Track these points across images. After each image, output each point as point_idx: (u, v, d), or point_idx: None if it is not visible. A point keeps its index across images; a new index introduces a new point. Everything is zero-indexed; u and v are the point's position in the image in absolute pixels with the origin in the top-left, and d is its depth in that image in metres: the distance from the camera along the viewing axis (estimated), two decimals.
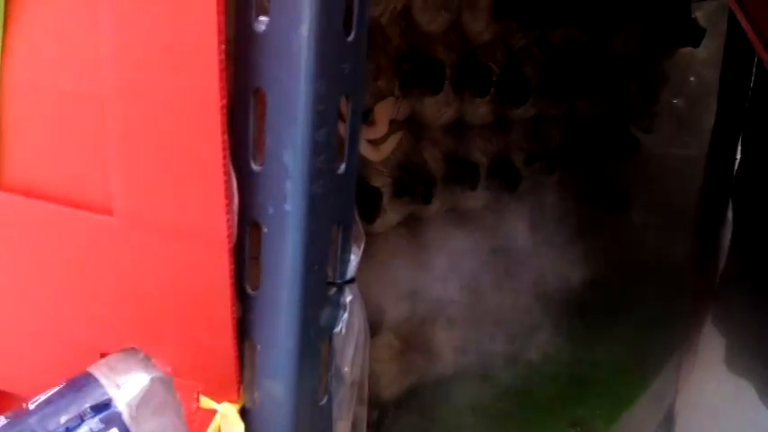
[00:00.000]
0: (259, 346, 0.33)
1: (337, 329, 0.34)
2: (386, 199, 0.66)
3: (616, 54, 1.05)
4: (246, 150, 0.31)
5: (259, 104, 0.31)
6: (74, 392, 0.33)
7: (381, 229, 0.70)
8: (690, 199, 1.01)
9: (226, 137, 0.29)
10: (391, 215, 0.68)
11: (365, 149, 0.57)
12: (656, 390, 0.83)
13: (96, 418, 0.32)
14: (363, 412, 0.38)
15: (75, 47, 0.32)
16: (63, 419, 0.32)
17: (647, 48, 1.08)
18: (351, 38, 0.31)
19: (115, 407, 0.32)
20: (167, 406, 0.33)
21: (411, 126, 0.72)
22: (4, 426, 0.32)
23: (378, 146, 0.58)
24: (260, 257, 0.32)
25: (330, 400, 0.35)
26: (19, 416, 0.32)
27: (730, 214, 0.95)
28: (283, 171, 0.30)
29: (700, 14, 1.18)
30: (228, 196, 0.30)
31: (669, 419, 0.82)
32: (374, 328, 0.67)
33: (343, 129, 0.33)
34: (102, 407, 0.32)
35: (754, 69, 1.00)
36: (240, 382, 0.33)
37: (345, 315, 0.34)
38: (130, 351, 0.34)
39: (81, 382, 0.33)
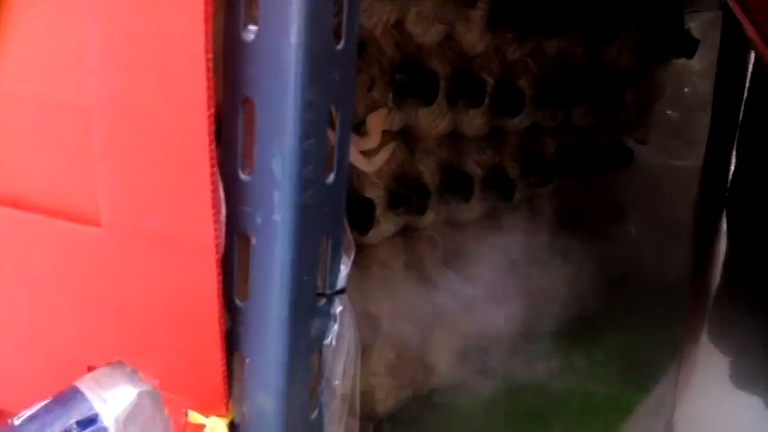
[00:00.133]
0: (248, 359, 0.32)
1: (327, 341, 0.34)
2: (380, 210, 0.65)
3: (610, 65, 1.05)
4: (235, 160, 0.31)
5: (248, 114, 0.30)
6: (60, 407, 0.32)
7: (376, 240, 0.70)
8: (685, 210, 1.01)
9: (213, 146, 0.29)
10: (385, 226, 0.68)
11: (358, 160, 0.57)
12: (653, 403, 0.82)
13: None
14: (355, 425, 0.38)
15: (61, 57, 0.32)
16: None
17: (641, 59, 1.08)
18: (340, 46, 0.31)
19: (101, 422, 0.32)
20: (155, 421, 0.33)
21: (405, 137, 0.72)
22: None
23: (370, 157, 0.58)
24: (249, 268, 0.32)
25: (321, 414, 0.35)
26: None
27: (725, 225, 0.94)
28: (272, 181, 0.30)
29: (693, 26, 1.19)
30: (216, 206, 0.29)
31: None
32: (368, 340, 0.66)
33: (333, 138, 0.33)
34: (89, 422, 0.31)
35: (747, 80, 1.01)
36: (229, 395, 0.33)
37: (335, 326, 0.34)
38: (118, 365, 0.34)
39: (67, 397, 0.33)
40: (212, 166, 0.29)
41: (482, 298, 0.82)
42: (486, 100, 0.78)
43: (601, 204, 1.08)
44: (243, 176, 0.31)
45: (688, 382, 0.85)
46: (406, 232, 0.74)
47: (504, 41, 0.82)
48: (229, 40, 0.30)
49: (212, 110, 0.28)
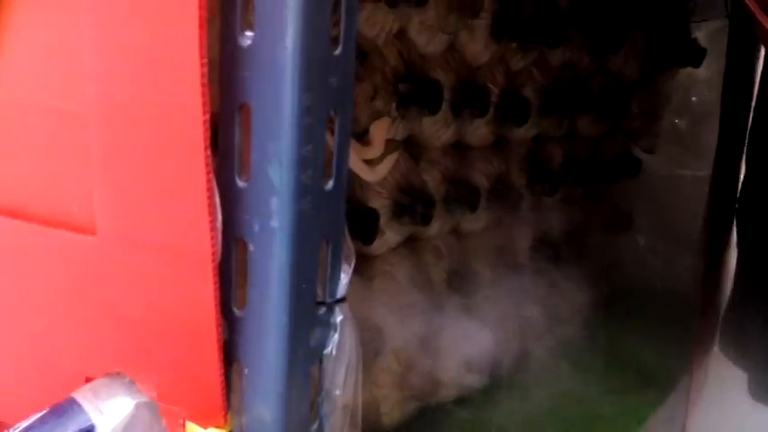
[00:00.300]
0: (246, 369, 0.32)
1: (327, 350, 0.33)
2: (384, 220, 0.65)
3: (616, 75, 1.05)
4: (232, 166, 0.31)
5: (245, 120, 0.30)
6: (56, 418, 0.32)
7: (380, 251, 0.69)
8: (694, 219, 1.00)
9: (209, 152, 0.29)
10: (390, 237, 0.67)
11: (361, 170, 0.57)
12: (664, 413, 0.81)
13: None
14: None
15: (56, 65, 0.32)
16: None
17: (647, 68, 1.08)
18: (338, 51, 0.31)
19: None
20: None
21: (410, 147, 0.72)
22: None
23: (374, 166, 0.58)
24: (247, 276, 0.31)
25: (321, 425, 0.34)
26: None
27: (735, 235, 0.93)
28: (269, 187, 0.30)
29: (700, 35, 1.18)
30: (213, 213, 0.29)
31: None
32: (373, 352, 0.65)
33: (332, 144, 0.32)
34: None
35: (755, 89, 1.00)
36: (227, 406, 0.32)
37: (336, 335, 0.33)
38: (116, 376, 0.33)
39: (64, 408, 0.32)
40: (208, 173, 0.29)
41: (489, 309, 0.81)
42: (491, 109, 0.78)
43: (609, 214, 1.07)
44: (240, 183, 0.31)
45: (700, 394, 0.84)
46: (411, 242, 0.74)
47: (508, 51, 0.82)
48: (225, 46, 0.30)
49: (207, 116, 0.28)
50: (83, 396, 0.32)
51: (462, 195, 0.75)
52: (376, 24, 0.61)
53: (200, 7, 0.27)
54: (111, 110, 0.30)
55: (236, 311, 0.32)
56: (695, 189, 1.07)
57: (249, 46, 0.29)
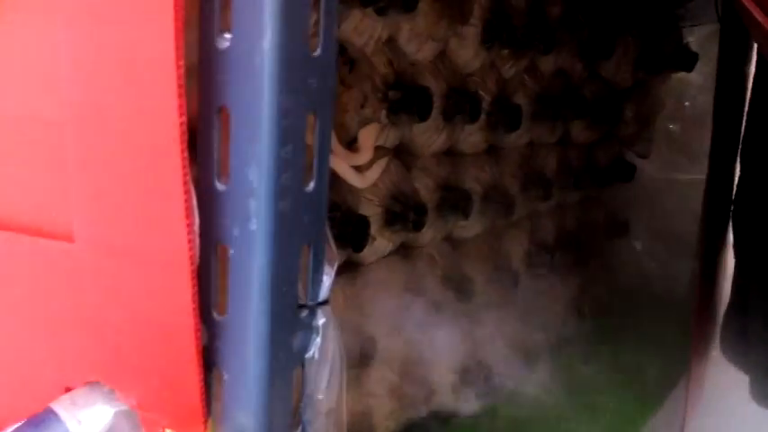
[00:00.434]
0: (226, 375, 0.31)
1: (310, 354, 0.33)
2: (376, 228, 0.65)
3: (608, 81, 1.05)
4: (211, 170, 0.30)
5: (223, 122, 0.30)
6: (33, 429, 0.31)
7: (373, 258, 0.69)
8: (690, 223, 1.00)
9: (186, 154, 0.28)
10: (382, 244, 0.67)
11: (350, 176, 0.56)
12: (663, 417, 0.80)
13: None
14: None
15: (32, 72, 0.31)
16: None
17: (639, 74, 1.08)
18: (317, 53, 0.30)
19: None
20: None
21: (402, 155, 0.72)
22: None
23: (363, 172, 0.57)
24: (227, 281, 0.31)
25: (304, 430, 0.33)
26: None
27: (731, 238, 0.93)
28: (248, 189, 0.29)
29: (692, 40, 1.19)
30: (190, 216, 0.29)
31: None
32: (367, 360, 0.65)
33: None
34: None
35: (748, 92, 1.00)
36: (207, 413, 0.32)
37: (318, 339, 0.33)
38: (95, 385, 0.33)
39: (41, 419, 0.32)
40: (185, 176, 0.28)
41: (483, 316, 0.81)
42: (483, 116, 0.78)
43: (604, 219, 1.07)
44: (219, 186, 0.30)
45: (698, 396, 0.83)
46: (404, 250, 0.73)
47: (499, 58, 0.82)
48: (203, 48, 0.29)
49: (184, 118, 0.28)
50: (61, 406, 0.31)
51: (455, 202, 0.74)
52: (364, 32, 0.61)
53: (176, 10, 0.27)
54: (88, 116, 0.30)
55: (217, 317, 0.31)
56: (690, 193, 1.07)
57: (227, 48, 0.29)
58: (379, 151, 0.60)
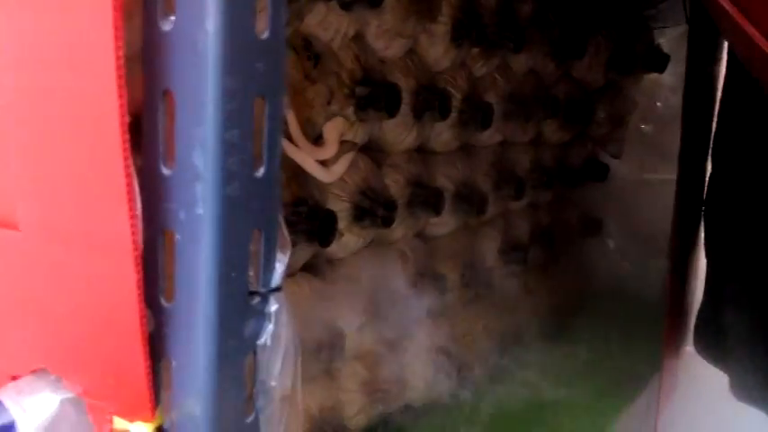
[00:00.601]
0: (175, 363, 0.31)
1: (262, 341, 0.33)
2: (345, 224, 0.65)
3: (581, 81, 1.06)
4: (156, 154, 0.30)
5: (168, 106, 0.30)
6: None
7: (343, 254, 0.68)
8: (663, 222, 1.01)
9: (127, 137, 0.28)
10: (351, 240, 0.67)
11: (315, 170, 0.56)
12: (635, 413, 0.80)
13: None
14: (299, 429, 0.36)
15: None
16: None
17: (611, 74, 1.09)
18: (265, 36, 0.30)
19: (19, 431, 0.30)
20: (79, 429, 0.31)
21: (372, 152, 0.72)
22: None
23: (329, 167, 0.57)
24: (174, 266, 0.31)
25: (257, 418, 0.33)
26: None
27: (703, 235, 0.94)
28: (194, 173, 0.29)
29: (663, 41, 1.20)
30: (132, 200, 0.29)
31: None
32: (338, 356, 0.64)
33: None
34: (4, 431, 0.30)
35: (719, 92, 1.01)
36: (156, 401, 0.31)
37: (271, 326, 0.33)
38: (41, 373, 0.32)
39: None
40: (126, 158, 0.28)
41: (456, 312, 0.81)
42: (454, 114, 0.78)
43: (578, 218, 1.07)
44: (165, 171, 0.30)
45: (670, 392, 0.84)
46: (375, 247, 0.73)
47: (470, 56, 0.83)
48: (147, 31, 0.29)
49: (124, 100, 0.28)
50: (5, 394, 0.31)
51: (426, 198, 0.74)
52: (330, 27, 0.61)
53: None
54: (27, 102, 0.30)
55: (164, 303, 0.31)
56: (663, 192, 1.08)
57: (170, 31, 0.29)
58: (345, 145, 0.60)
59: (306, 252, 0.61)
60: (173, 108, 0.30)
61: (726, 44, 0.96)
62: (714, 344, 0.89)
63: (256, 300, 0.32)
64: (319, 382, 0.64)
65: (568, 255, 1.01)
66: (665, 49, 1.17)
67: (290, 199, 0.58)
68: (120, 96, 0.27)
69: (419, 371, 0.73)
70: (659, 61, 1.13)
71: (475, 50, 0.82)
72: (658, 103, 1.19)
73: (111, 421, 0.31)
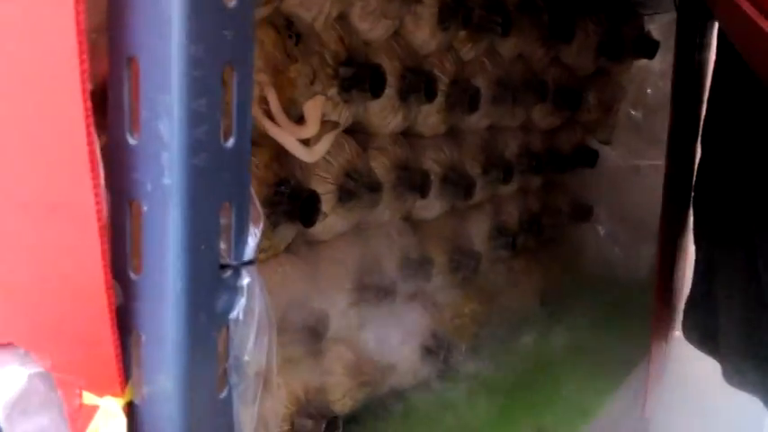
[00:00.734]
0: (144, 337, 0.31)
1: (234, 315, 0.32)
2: (329, 206, 0.64)
3: (571, 67, 1.06)
4: (122, 124, 0.30)
5: (133, 74, 0.29)
6: None
7: (328, 236, 0.68)
8: (652, 207, 1.01)
9: (89, 104, 0.28)
10: (336, 221, 0.67)
11: (297, 150, 0.56)
12: (623, 398, 0.81)
13: None
14: (276, 404, 0.36)
15: None
16: None
17: (601, 60, 1.09)
18: (232, 4, 0.30)
19: None
20: (48, 404, 0.31)
21: (358, 134, 0.71)
22: None
23: (311, 146, 0.57)
24: (141, 238, 0.30)
25: (230, 392, 0.33)
26: None
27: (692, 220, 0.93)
28: (160, 143, 0.29)
29: (653, 27, 1.20)
30: (95, 169, 0.28)
31: (639, 427, 0.80)
32: (322, 339, 0.64)
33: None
34: None
35: (708, 79, 1.01)
36: (126, 375, 0.31)
37: (243, 300, 0.32)
38: (9, 347, 0.32)
39: None
40: (88, 126, 0.28)
41: (443, 295, 0.81)
42: (441, 98, 0.78)
43: (568, 204, 1.07)
44: (131, 140, 0.30)
45: (659, 376, 0.84)
46: (362, 229, 0.73)
47: (457, 40, 0.82)
48: None
49: (86, 66, 0.27)
50: None
51: (412, 181, 0.74)
52: (312, 7, 0.60)
53: None
54: None
55: (132, 276, 0.31)
56: (652, 178, 1.08)
57: None
58: (327, 125, 0.59)
59: (289, 232, 0.60)
60: (137, 75, 0.29)
61: (715, 30, 0.95)
62: (703, 329, 0.89)
63: (228, 273, 0.32)
64: (304, 364, 0.64)
65: (558, 240, 1.01)
66: (655, 35, 1.16)
67: (273, 179, 0.57)
68: (82, 62, 0.27)
69: (406, 354, 0.73)
70: (649, 47, 1.12)
71: (462, 33, 0.81)
72: (648, 90, 1.19)
73: (80, 396, 0.31)
